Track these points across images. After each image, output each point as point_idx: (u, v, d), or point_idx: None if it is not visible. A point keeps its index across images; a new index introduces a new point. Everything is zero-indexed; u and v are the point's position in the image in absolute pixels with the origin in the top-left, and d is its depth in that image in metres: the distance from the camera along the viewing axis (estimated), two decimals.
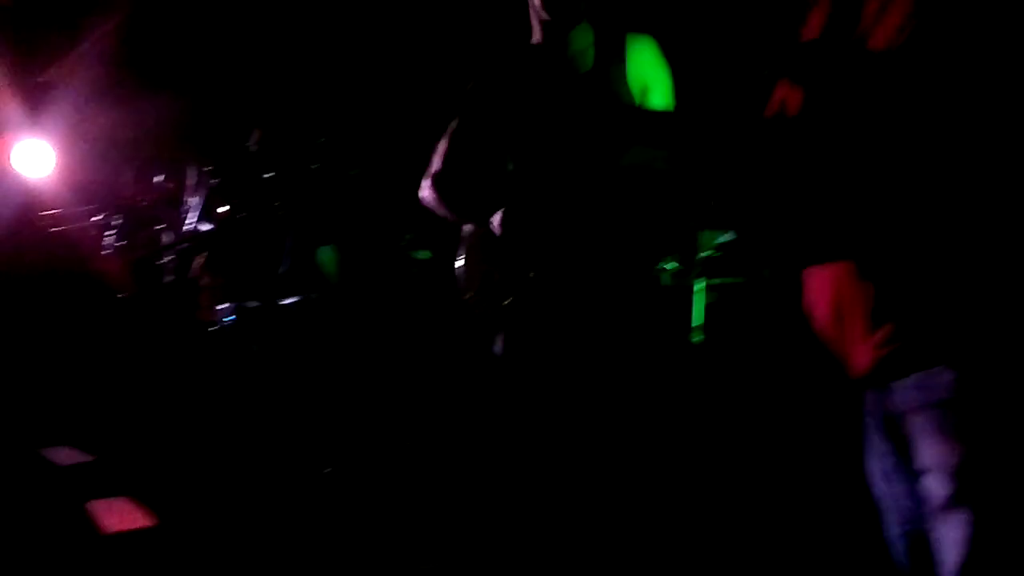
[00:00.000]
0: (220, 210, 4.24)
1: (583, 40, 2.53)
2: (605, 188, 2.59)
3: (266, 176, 3.85)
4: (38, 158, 5.16)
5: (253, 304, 3.62)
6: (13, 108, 5.03)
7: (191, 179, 4.48)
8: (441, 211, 2.63)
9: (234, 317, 3.69)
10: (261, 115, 4.30)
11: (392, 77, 4.46)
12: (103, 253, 4.60)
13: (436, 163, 2.65)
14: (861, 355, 1.55)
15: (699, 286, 3.32)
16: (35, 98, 5.06)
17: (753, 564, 2.69)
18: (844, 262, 1.55)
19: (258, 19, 4.68)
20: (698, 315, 3.29)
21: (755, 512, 2.89)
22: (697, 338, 3.27)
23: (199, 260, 4.09)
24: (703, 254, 3.31)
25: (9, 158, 5.14)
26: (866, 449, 1.66)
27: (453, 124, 2.67)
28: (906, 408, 1.49)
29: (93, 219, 4.71)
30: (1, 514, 3.43)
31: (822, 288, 1.61)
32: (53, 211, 5.13)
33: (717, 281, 3.32)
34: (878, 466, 1.65)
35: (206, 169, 4.18)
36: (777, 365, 3.12)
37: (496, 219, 2.49)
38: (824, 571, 2.60)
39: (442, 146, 2.66)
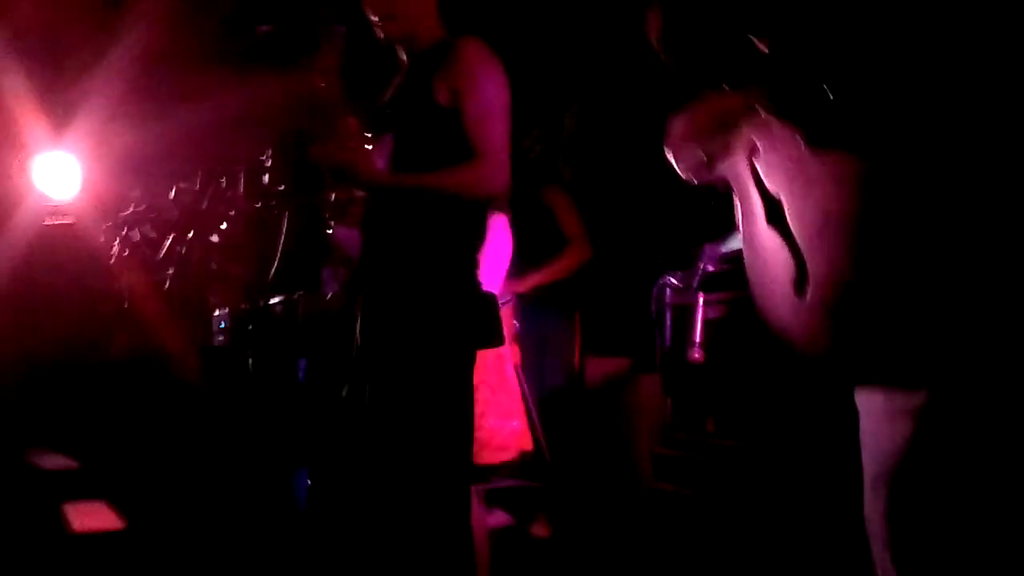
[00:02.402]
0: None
1: None
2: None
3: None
4: (64, 174, 5.19)
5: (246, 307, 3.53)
6: (40, 125, 5.06)
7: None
8: None
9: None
10: None
11: None
12: (113, 258, 4.58)
13: None
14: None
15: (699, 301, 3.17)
16: (62, 114, 5.10)
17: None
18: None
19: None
20: (697, 331, 3.13)
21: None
22: (696, 354, 3.10)
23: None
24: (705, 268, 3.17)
25: (33, 174, 5.18)
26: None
27: None
28: None
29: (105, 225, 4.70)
30: None
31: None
32: (72, 223, 5.15)
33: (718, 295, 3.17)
34: None
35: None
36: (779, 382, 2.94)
37: None
38: None
39: None
